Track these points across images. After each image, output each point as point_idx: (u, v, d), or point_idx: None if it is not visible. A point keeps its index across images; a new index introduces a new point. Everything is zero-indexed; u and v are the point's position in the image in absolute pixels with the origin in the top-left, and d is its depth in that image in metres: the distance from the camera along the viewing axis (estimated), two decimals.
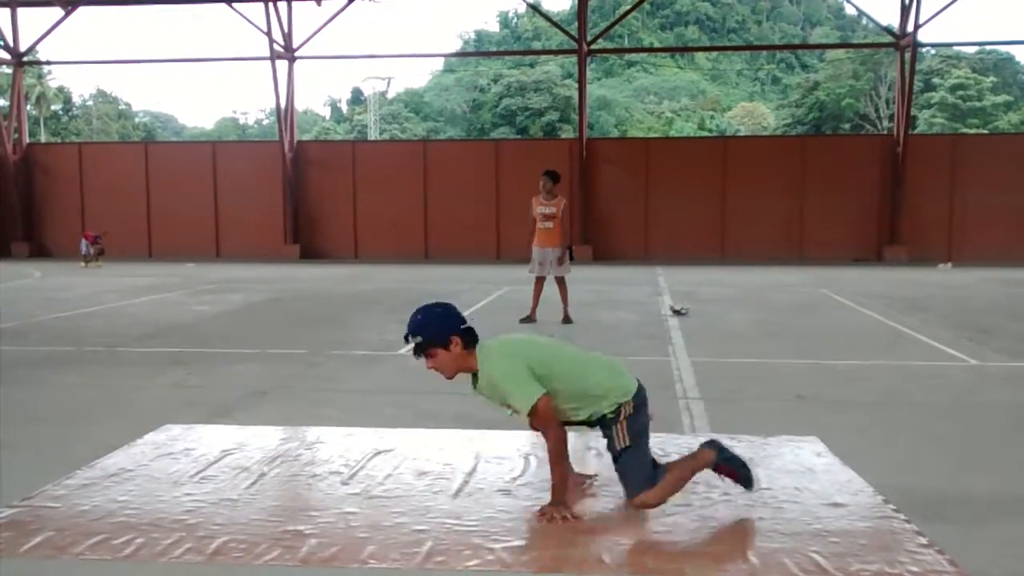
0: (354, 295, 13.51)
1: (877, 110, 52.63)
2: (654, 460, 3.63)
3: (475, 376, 3.66)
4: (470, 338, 3.59)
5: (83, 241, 21.23)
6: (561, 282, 10.09)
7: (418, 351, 3.58)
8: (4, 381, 6.48)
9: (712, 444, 3.74)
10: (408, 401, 5.83)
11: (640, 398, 3.64)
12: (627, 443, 3.55)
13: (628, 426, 3.56)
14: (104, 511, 3.56)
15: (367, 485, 3.90)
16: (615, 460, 3.60)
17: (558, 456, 3.53)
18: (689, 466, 3.65)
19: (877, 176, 22.55)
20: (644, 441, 3.60)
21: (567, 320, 9.84)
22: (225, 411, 5.55)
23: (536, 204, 10.00)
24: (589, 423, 3.65)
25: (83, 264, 20.73)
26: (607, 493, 3.80)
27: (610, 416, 3.57)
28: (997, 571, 3.08)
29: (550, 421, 3.51)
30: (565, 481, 3.58)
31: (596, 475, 3.99)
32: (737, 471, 3.69)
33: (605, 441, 3.66)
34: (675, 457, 4.23)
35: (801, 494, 3.76)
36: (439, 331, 3.54)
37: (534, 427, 3.70)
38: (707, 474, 3.99)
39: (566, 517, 3.45)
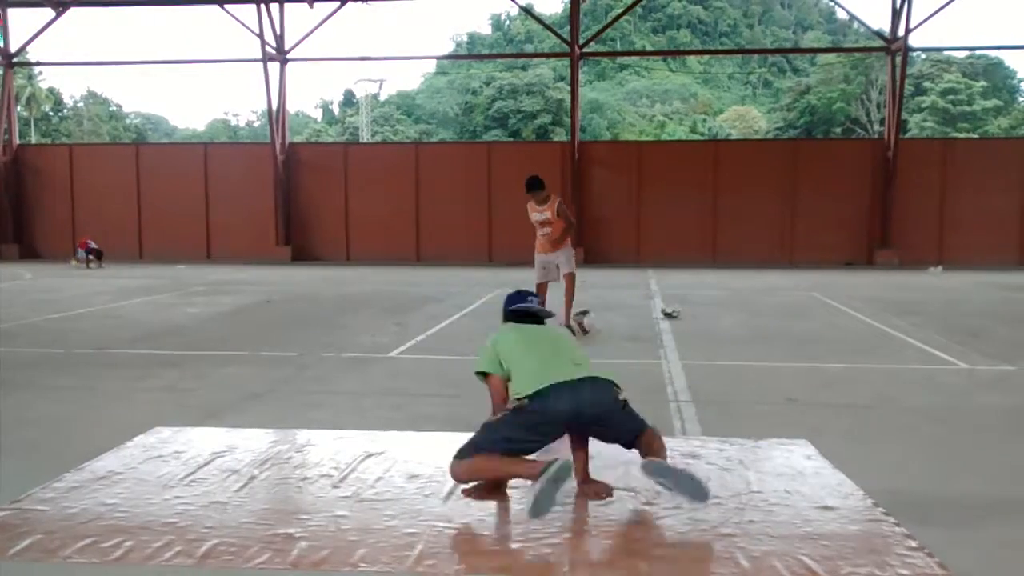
0: (346, 297, 13.49)
1: (868, 114, 52.82)
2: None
3: None
4: (505, 319, 4.28)
5: (80, 250, 21.32)
6: (570, 280, 9.60)
7: None
8: None
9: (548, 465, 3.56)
10: (400, 403, 5.82)
11: (537, 401, 3.67)
12: (489, 420, 3.86)
13: (509, 414, 3.74)
14: (93, 514, 3.55)
15: (358, 488, 3.89)
16: None
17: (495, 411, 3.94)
18: (506, 466, 3.71)
19: (868, 180, 22.62)
20: (507, 427, 3.71)
21: (566, 328, 9.46)
22: (216, 414, 5.54)
23: (530, 211, 9.55)
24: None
25: (74, 263, 20.81)
26: (599, 497, 3.79)
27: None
28: (987, 574, 3.10)
29: (491, 396, 4.00)
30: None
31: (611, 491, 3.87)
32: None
33: None
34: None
35: (791, 497, 3.77)
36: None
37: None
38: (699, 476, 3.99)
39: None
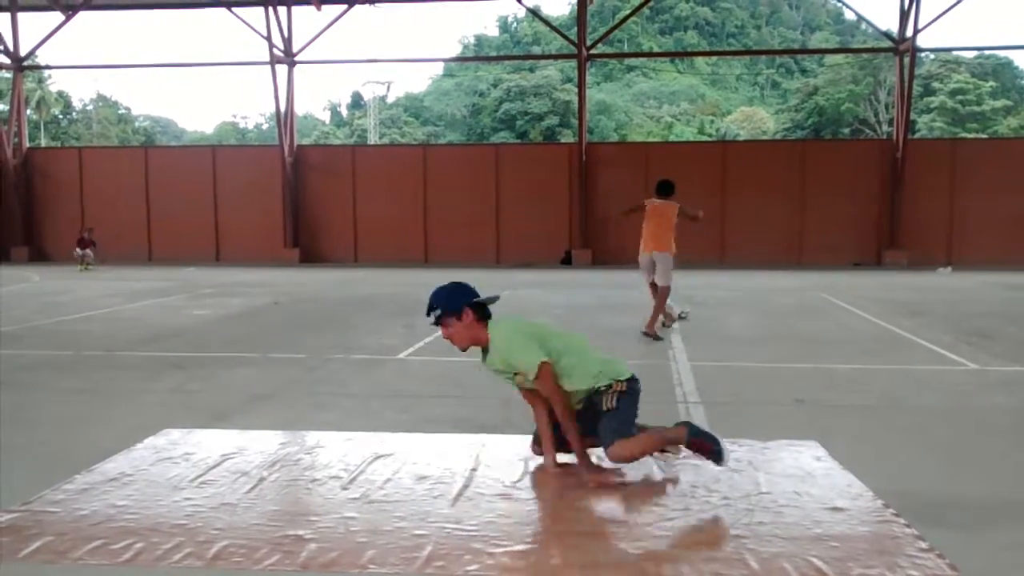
0: (354, 299, 13.51)
1: (876, 115, 52.70)
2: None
3: (484, 350, 4.10)
4: (482, 312, 4.11)
5: (77, 249, 21.42)
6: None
7: (436, 320, 4.10)
8: (3, 386, 6.47)
9: (684, 423, 4.18)
10: (408, 405, 5.83)
11: (634, 386, 4.06)
12: (613, 406, 3.96)
13: (617, 397, 3.97)
14: (103, 516, 3.56)
15: (367, 489, 3.90)
16: (599, 419, 3.97)
17: (570, 416, 3.96)
18: (662, 434, 4.06)
19: (877, 180, 22.56)
20: (631, 414, 4.01)
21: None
22: (225, 415, 5.55)
23: None
24: (585, 396, 4.04)
25: (80, 267, 20.91)
26: (606, 496, 3.80)
27: (603, 388, 4.00)
28: None
29: (555, 385, 3.93)
30: (580, 441, 3.98)
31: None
32: (708, 445, 4.02)
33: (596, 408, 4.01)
34: (675, 462, 4.25)
35: (801, 498, 3.76)
36: (453, 302, 4.07)
37: (539, 394, 4.02)
38: (706, 478, 4.00)
39: (611, 474, 3.96)
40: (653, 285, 9.69)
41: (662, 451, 4.12)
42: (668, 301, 9.79)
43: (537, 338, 4.02)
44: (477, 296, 4.13)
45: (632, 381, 4.04)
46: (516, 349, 3.98)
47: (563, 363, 3.98)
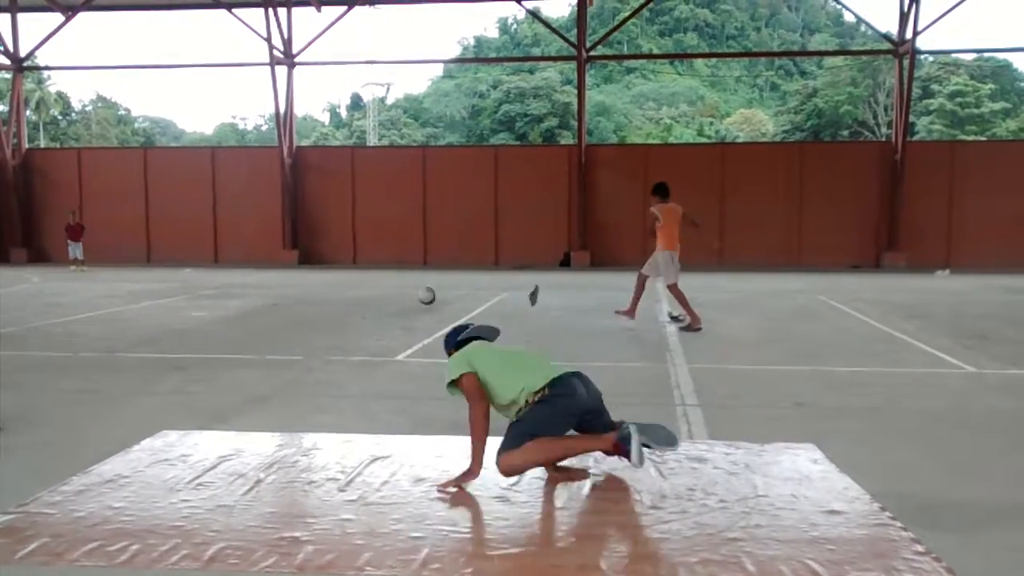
0: (352, 301, 13.50)
1: (875, 117, 52.75)
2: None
3: None
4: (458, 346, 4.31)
5: (70, 244, 21.40)
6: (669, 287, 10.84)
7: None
8: (4, 387, 6.47)
9: (618, 428, 3.99)
10: (405, 407, 5.83)
11: (555, 391, 3.95)
12: (514, 418, 3.99)
13: (529, 409, 3.94)
14: (100, 517, 3.56)
15: (364, 492, 3.90)
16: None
17: (478, 429, 3.92)
18: (566, 444, 3.99)
19: (875, 183, 22.57)
20: (536, 424, 3.90)
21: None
22: (222, 417, 5.54)
23: None
24: (518, 411, 4.04)
25: (73, 268, 20.92)
26: (603, 499, 3.80)
27: (526, 404, 3.98)
28: None
29: (471, 396, 3.97)
30: (481, 456, 3.93)
31: (588, 471, 4.15)
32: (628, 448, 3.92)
33: None
34: (672, 465, 4.25)
35: (798, 501, 3.76)
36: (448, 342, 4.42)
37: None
38: (704, 481, 4.00)
39: (460, 487, 3.88)
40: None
41: (563, 472, 4.08)
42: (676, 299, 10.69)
43: (469, 359, 4.07)
44: (460, 334, 4.41)
45: (553, 386, 3.96)
46: (449, 365, 4.11)
47: (489, 383, 4.00)
